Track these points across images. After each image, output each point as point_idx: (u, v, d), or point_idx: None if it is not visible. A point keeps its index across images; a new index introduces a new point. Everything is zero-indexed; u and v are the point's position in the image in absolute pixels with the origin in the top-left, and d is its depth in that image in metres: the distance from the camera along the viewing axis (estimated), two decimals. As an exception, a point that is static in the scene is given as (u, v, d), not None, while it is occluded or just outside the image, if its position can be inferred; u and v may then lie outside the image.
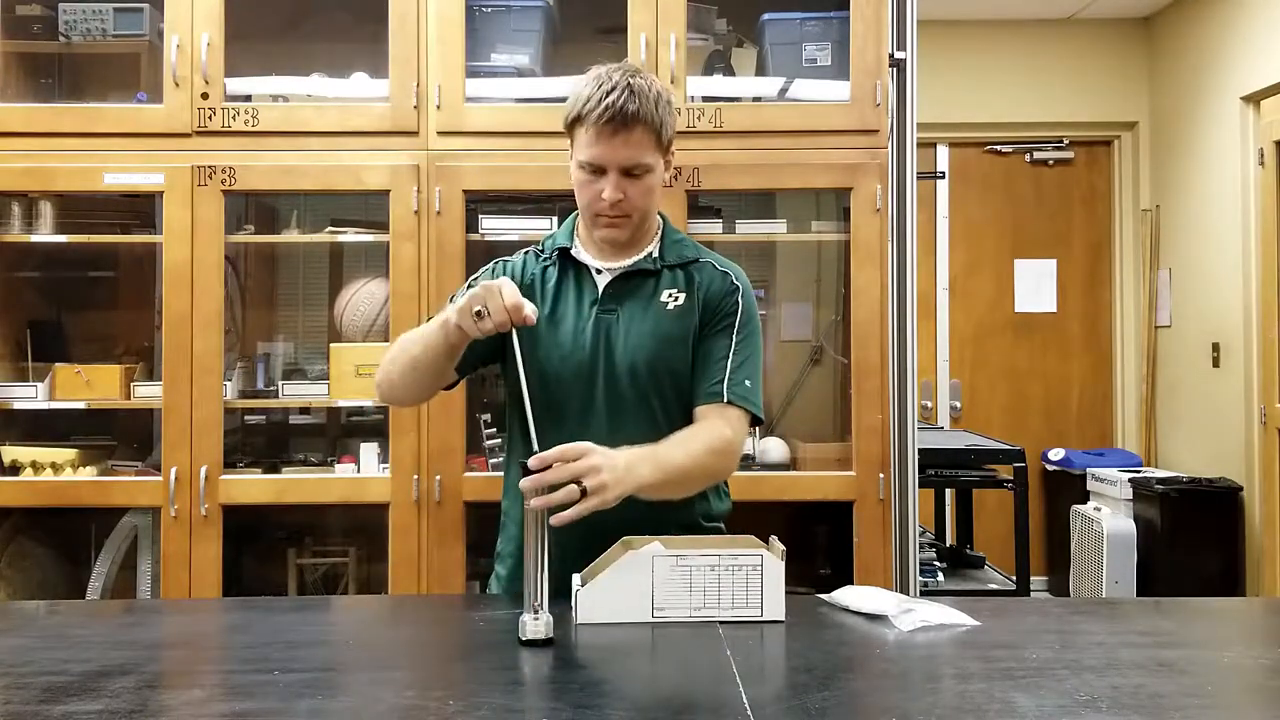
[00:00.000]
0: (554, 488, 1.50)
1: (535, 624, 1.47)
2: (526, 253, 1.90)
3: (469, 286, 1.83)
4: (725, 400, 1.76)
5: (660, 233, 1.86)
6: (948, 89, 5.01)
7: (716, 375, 1.78)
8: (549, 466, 1.50)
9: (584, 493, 1.50)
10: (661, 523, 1.75)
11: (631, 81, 1.69)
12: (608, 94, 1.67)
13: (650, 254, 1.83)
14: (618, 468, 1.54)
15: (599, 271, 1.82)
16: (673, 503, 1.75)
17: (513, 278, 1.81)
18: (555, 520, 1.49)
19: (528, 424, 1.57)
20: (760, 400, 1.81)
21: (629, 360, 1.77)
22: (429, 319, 1.78)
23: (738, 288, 1.84)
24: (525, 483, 1.49)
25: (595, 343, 1.78)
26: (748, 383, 1.79)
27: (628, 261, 1.82)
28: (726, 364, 1.78)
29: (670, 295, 1.81)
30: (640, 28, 2.70)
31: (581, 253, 1.84)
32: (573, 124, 1.73)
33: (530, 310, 1.57)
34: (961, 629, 1.56)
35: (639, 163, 1.72)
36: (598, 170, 1.72)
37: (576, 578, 1.59)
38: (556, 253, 1.85)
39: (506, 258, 1.90)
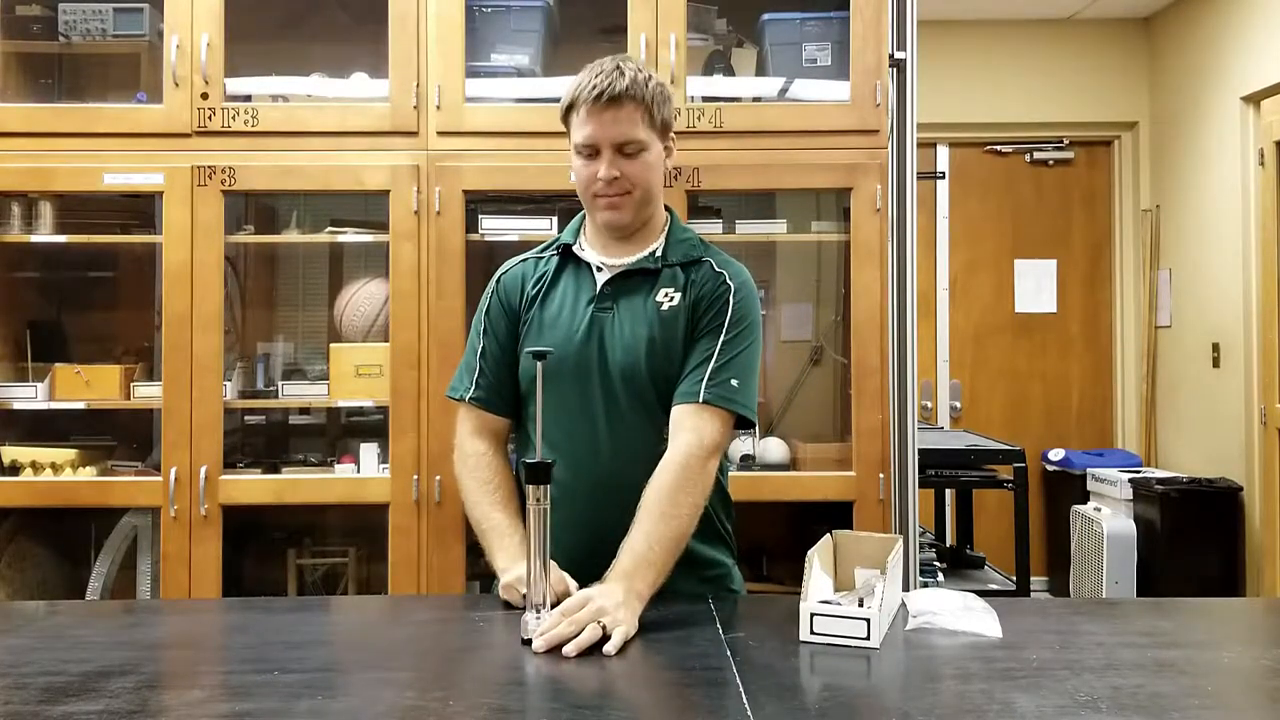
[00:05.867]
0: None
1: (537, 623, 1.47)
2: (525, 259, 1.90)
3: (488, 302, 1.89)
4: (700, 400, 1.71)
5: (667, 229, 1.86)
6: (948, 89, 5.01)
7: (697, 376, 1.73)
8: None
9: (604, 629, 1.47)
10: None
11: (621, 65, 1.74)
12: (596, 76, 1.73)
13: (654, 252, 1.82)
14: (618, 598, 1.52)
15: (599, 269, 1.82)
16: None
17: (518, 291, 1.85)
18: (571, 650, 1.43)
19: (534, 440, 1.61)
20: (749, 400, 1.75)
21: (622, 360, 1.77)
22: (486, 538, 1.83)
23: (729, 287, 1.79)
24: (540, 645, 1.44)
25: (590, 340, 1.78)
26: (733, 382, 1.73)
27: (630, 259, 1.82)
28: (709, 365, 1.73)
29: (666, 295, 1.79)
30: (640, 28, 2.70)
31: (585, 250, 1.84)
32: (567, 113, 1.77)
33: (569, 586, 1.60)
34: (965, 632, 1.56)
35: (631, 138, 1.73)
36: (593, 151, 1.74)
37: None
38: (559, 249, 1.86)
39: (507, 266, 1.91)
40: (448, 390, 1.92)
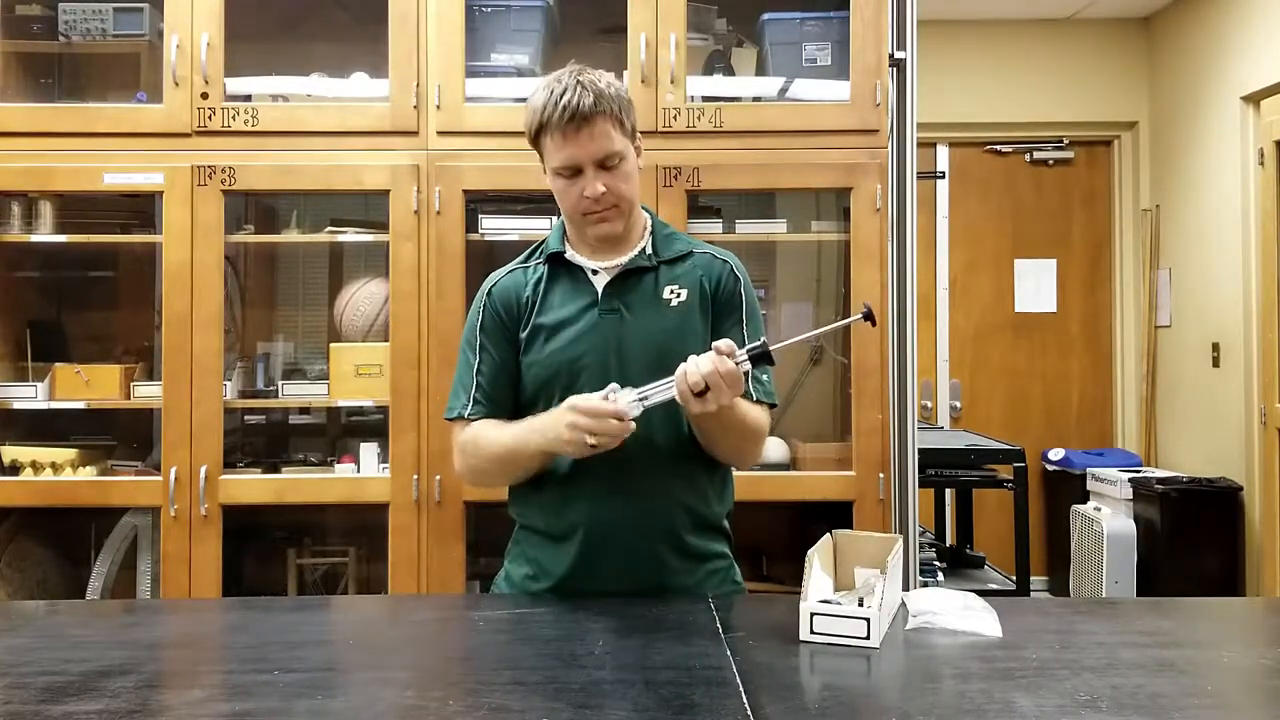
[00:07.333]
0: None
1: (632, 405, 1.61)
2: (512, 270, 1.89)
3: (480, 316, 1.85)
4: (755, 400, 1.81)
5: (649, 228, 1.87)
6: (948, 89, 5.01)
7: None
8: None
9: (700, 396, 1.60)
10: (676, 516, 1.79)
11: (580, 79, 1.72)
12: (561, 96, 1.70)
13: (644, 250, 1.84)
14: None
15: (595, 272, 1.83)
16: (689, 504, 1.80)
17: (513, 303, 1.83)
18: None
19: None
20: (774, 387, 1.88)
21: (644, 359, 1.77)
22: (522, 436, 1.77)
23: (739, 279, 1.86)
24: (704, 366, 1.60)
25: (604, 343, 1.78)
26: (764, 377, 1.83)
27: (623, 259, 1.82)
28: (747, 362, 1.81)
29: (672, 292, 1.82)
30: (640, 28, 2.70)
31: (575, 255, 1.84)
32: (537, 137, 1.76)
33: (631, 411, 1.64)
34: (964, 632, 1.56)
35: (610, 152, 1.73)
36: (575, 172, 1.74)
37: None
38: (548, 258, 1.85)
39: (496, 279, 1.89)
40: (445, 412, 1.88)
